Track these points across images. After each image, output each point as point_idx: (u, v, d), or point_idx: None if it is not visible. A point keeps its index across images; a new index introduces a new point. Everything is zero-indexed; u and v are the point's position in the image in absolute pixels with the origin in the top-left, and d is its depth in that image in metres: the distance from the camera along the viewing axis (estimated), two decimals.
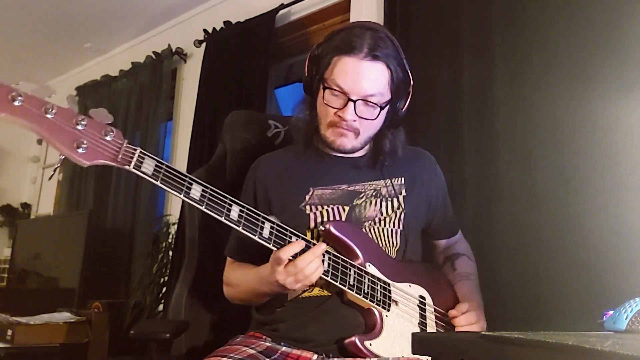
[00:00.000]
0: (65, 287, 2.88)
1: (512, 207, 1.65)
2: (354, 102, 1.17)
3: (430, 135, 1.87)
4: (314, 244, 1.11)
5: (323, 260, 1.11)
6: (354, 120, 1.20)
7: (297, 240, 1.09)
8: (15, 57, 4.17)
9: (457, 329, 1.22)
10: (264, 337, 1.20)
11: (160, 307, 2.84)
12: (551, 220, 1.56)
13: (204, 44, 3.05)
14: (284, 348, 1.17)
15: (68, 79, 4.39)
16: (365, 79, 1.17)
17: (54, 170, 1.05)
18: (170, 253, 2.81)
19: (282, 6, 2.68)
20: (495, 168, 1.71)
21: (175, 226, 2.84)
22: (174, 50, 3.31)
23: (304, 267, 1.06)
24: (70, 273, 2.87)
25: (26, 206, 4.54)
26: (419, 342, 0.73)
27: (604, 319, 0.86)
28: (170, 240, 2.91)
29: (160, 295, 2.86)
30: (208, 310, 1.53)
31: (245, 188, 1.33)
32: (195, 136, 2.90)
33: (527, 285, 1.56)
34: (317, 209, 1.24)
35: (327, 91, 1.20)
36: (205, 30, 3.03)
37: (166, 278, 2.84)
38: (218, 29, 2.98)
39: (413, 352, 0.72)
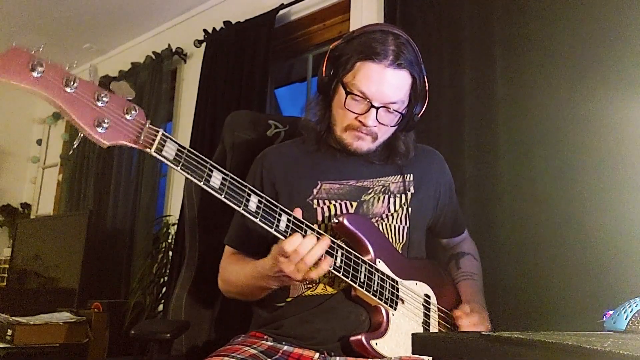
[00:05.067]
0: (65, 287, 2.88)
1: (512, 207, 1.65)
2: (377, 108, 1.17)
3: (431, 134, 1.87)
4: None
5: (336, 256, 1.10)
6: (375, 126, 1.19)
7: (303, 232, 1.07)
8: None
9: (460, 330, 1.23)
10: (265, 336, 1.20)
11: (160, 307, 2.84)
12: (551, 220, 1.56)
13: (204, 44, 3.04)
14: (285, 347, 1.17)
15: None
16: (389, 86, 1.16)
17: (72, 150, 1.02)
18: (170, 253, 2.81)
19: (282, 6, 2.68)
20: (496, 168, 1.71)
21: (175, 226, 2.85)
22: (174, 50, 3.31)
23: (305, 253, 1.04)
24: (70, 273, 2.87)
25: (26, 206, 4.53)
26: (420, 342, 0.73)
27: (604, 319, 0.86)
28: (170, 241, 2.91)
29: (160, 295, 2.86)
30: (208, 310, 1.53)
31: (251, 178, 1.31)
32: (195, 137, 2.90)
33: (527, 285, 1.56)
34: (324, 204, 1.23)
35: (348, 96, 1.18)
36: (205, 30, 3.03)
37: (166, 278, 2.84)
38: (218, 29, 2.97)
39: (413, 352, 0.72)
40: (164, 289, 2.84)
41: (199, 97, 2.96)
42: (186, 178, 0.97)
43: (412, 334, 0.73)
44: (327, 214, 1.22)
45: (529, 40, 1.71)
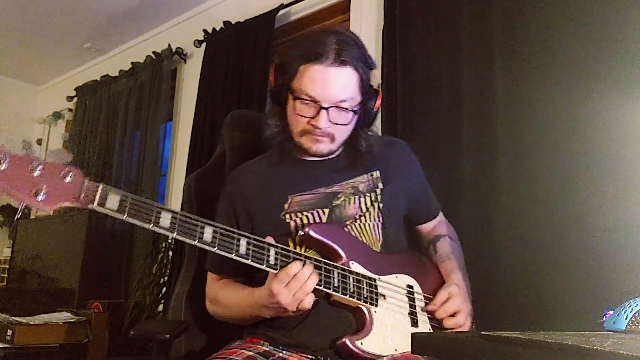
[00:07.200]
0: (65, 287, 2.88)
1: (512, 207, 1.65)
2: (326, 109, 1.17)
3: (430, 135, 1.87)
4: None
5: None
6: (328, 127, 1.19)
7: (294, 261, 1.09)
8: (15, 57, 4.17)
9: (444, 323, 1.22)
10: (261, 341, 1.21)
11: (160, 307, 2.84)
12: (551, 220, 1.56)
13: (204, 44, 3.05)
14: (282, 352, 1.17)
15: (68, 79, 4.39)
16: (334, 85, 1.16)
17: (15, 219, 1.04)
18: (170, 253, 2.81)
19: (282, 6, 2.68)
20: (495, 168, 1.71)
21: None
22: (174, 50, 3.31)
23: (305, 279, 1.06)
24: (70, 273, 2.87)
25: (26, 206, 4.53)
26: (419, 342, 0.73)
27: (604, 319, 0.86)
28: (170, 241, 2.91)
29: (160, 295, 2.86)
30: (208, 311, 1.52)
31: (223, 204, 1.30)
32: (195, 136, 2.90)
33: (527, 285, 1.56)
34: (297, 216, 1.23)
35: (297, 101, 1.19)
36: (205, 30, 3.03)
37: (166, 278, 2.84)
38: (218, 29, 2.98)
39: (413, 352, 0.72)
40: (164, 289, 2.84)
41: (199, 97, 2.96)
42: (134, 225, 0.98)
43: (412, 334, 0.73)
44: (300, 225, 1.22)
45: (528, 40, 1.71)
